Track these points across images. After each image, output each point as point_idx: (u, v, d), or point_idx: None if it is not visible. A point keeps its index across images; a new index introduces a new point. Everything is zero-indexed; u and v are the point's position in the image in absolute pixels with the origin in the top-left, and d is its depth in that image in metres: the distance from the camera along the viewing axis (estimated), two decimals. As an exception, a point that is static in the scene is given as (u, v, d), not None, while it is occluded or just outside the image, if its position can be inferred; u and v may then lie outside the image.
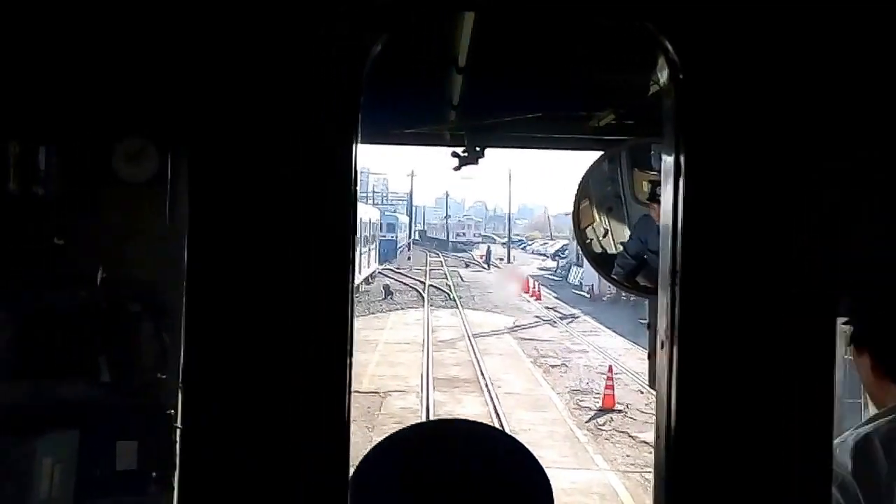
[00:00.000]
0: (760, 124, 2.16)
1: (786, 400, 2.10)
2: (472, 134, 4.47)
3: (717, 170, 2.13)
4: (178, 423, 4.29)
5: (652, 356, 4.67)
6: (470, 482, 1.74)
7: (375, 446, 1.90)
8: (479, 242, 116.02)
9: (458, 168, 4.41)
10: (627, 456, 17.22)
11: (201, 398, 2.15)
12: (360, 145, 2.19)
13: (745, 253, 2.11)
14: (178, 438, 4.29)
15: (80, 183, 3.76)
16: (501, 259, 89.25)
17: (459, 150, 4.44)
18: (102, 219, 3.94)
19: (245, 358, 2.12)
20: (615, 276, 4.96)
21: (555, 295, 51.63)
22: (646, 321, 4.94)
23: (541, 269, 77.51)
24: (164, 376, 4.16)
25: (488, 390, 22.16)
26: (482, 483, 1.76)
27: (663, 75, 2.23)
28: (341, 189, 2.14)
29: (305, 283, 2.07)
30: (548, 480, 1.87)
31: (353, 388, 2.17)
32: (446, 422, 2.12)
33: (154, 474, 4.13)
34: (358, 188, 2.23)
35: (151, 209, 3.96)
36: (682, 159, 2.14)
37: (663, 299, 2.21)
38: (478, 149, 4.45)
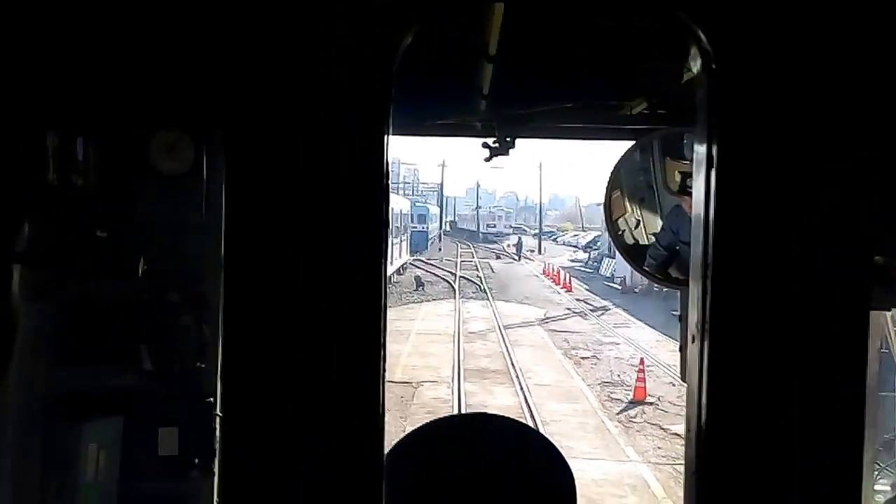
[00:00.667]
0: (794, 114, 2.14)
1: (818, 393, 2.08)
2: (502, 124, 4.49)
3: (749, 160, 2.12)
4: (218, 411, 4.40)
5: (683, 348, 4.68)
6: (495, 474, 1.77)
7: (405, 436, 1.93)
8: (509, 233, 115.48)
9: (489, 159, 4.44)
10: (659, 448, 17.17)
11: (240, 386, 2.20)
12: (391, 137, 2.22)
13: (777, 245, 2.09)
14: (217, 425, 4.39)
15: (118, 175, 3.86)
16: (532, 250, 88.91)
17: (490, 140, 4.46)
18: (142, 211, 4.03)
19: (282, 346, 2.14)
20: (647, 268, 4.94)
21: (586, 287, 51.40)
22: (678, 313, 4.93)
23: (572, 260, 77.11)
24: (203, 365, 4.26)
25: (519, 381, 22.18)
26: (507, 475, 1.78)
27: (696, 65, 2.23)
28: (374, 180, 2.16)
29: (340, 272, 2.09)
30: (572, 478, 1.88)
31: (386, 376, 2.20)
32: (476, 415, 2.15)
33: (195, 460, 4.23)
34: (390, 179, 2.25)
35: (188, 201, 4.04)
36: (714, 150, 2.14)
37: (695, 292, 2.21)
38: (508, 139, 4.47)
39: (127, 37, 2.86)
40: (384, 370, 2.16)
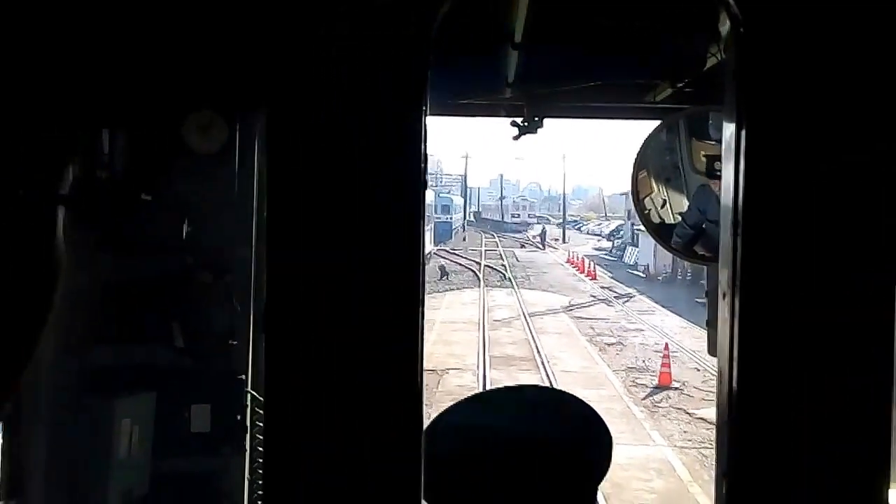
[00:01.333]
0: (830, 80, 2.11)
1: (849, 348, 2.08)
2: (530, 104, 4.51)
3: (780, 122, 2.11)
4: (249, 388, 4.46)
5: (711, 324, 4.70)
6: (535, 442, 1.76)
7: (445, 410, 1.93)
8: (533, 223, 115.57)
9: (517, 137, 4.47)
10: (684, 432, 17.14)
11: (281, 366, 2.21)
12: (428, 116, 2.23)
13: (808, 204, 2.06)
14: (248, 403, 4.46)
15: (153, 154, 3.92)
16: (556, 239, 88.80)
17: (519, 120, 4.48)
18: (176, 190, 4.09)
19: (320, 326, 2.15)
20: (674, 246, 4.95)
21: (610, 275, 51.26)
22: (702, 300, 4.94)
23: (596, 249, 76.96)
24: (235, 342, 4.32)
25: (544, 368, 22.17)
26: (546, 444, 1.77)
27: (724, 30, 2.21)
28: (412, 157, 2.16)
29: (378, 253, 2.11)
30: (610, 441, 1.87)
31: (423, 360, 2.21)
32: (516, 387, 2.14)
33: (227, 437, 4.30)
34: (428, 160, 2.26)
35: (221, 181, 4.10)
36: (744, 112, 2.11)
37: (726, 248, 2.19)
38: (536, 119, 4.49)
39: (161, 22, 2.91)
40: (422, 346, 2.16)
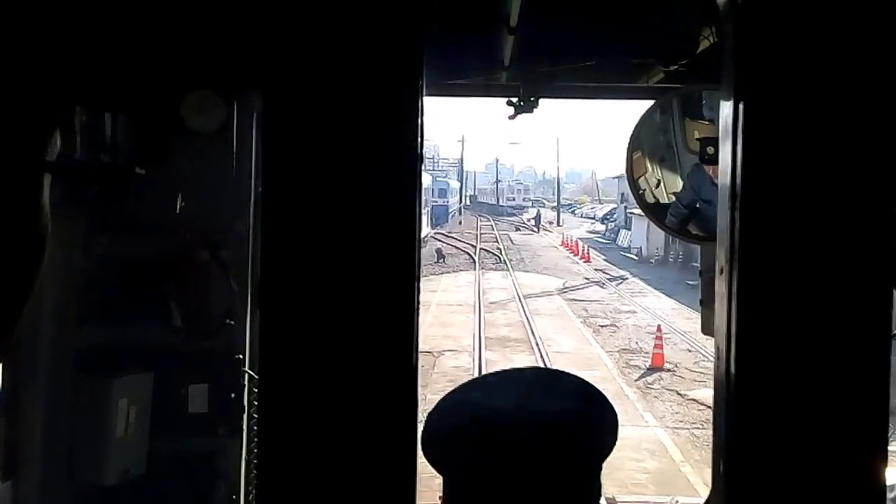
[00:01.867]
0: (829, 56, 2.06)
1: (847, 324, 2.05)
2: (526, 84, 4.50)
3: (778, 97, 2.06)
4: (247, 368, 4.46)
5: (705, 303, 4.73)
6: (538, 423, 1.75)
7: (447, 395, 1.92)
8: (528, 206, 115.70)
9: (513, 117, 4.47)
10: (676, 413, 17.24)
11: (275, 347, 2.21)
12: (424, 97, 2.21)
13: (806, 180, 2.05)
14: (246, 383, 4.46)
15: (152, 133, 3.91)
16: (551, 223, 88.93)
17: (514, 99, 4.49)
18: (173, 171, 4.08)
19: (316, 307, 2.15)
20: (669, 225, 4.98)
21: (603, 257, 51.35)
22: (693, 282, 4.95)
23: (589, 231, 77.04)
24: (232, 322, 4.32)
25: (539, 349, 22.24)
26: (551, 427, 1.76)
27: (721, 3, 2.19)
28: (409, 135, 2.15)
29: (374, 231, 2.09)
30: (614, 419, 1.86)
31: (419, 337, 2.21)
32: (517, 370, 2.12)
33: (224, 417, 4.30)
34: (424, 138, 2.25)
35: (219, 160, 4.09)
36: (742, 88, 2.08)
37: (723, 223, 2.19)
38: (532, 99, 4.50)
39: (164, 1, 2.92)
40: (417, 330, 2.15)
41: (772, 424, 2.08)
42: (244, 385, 4.38)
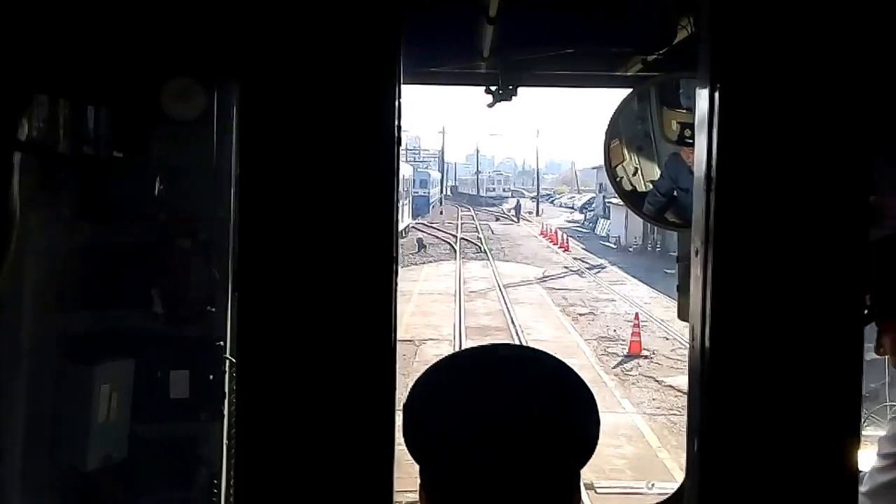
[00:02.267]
0: (805, 45, 2.08)
1: (819, 307, 2.08)
2: (505, 73, 4.52)
3: (753, 84, 2.08)
4: (228, 354, 4.48)
5: (681, 289, 4.78)
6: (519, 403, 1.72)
7: (426, 372, 1.88)
8: (508, 197, 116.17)
9: (492, 105, 4.49)
10: (653, 399, 17.41)
11: (253, 333, 2.21)
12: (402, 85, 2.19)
13: (780, 165, 2.08)
14: (227, 369, 4.48)
15: (133, 122, 3.92)
16: (530, 213, 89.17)
17: (493, 88, 4.51)
18: (154, 158, 4.09)
19: (293, 293, 2.15)
20: (646, 213, 5.01)
21: (582, 246, 51.57)
22: (671, 271, 5.00)
23: (568, 221, 77.32)
24: (213, 309, 4.34)
25: (519, 338, 22.37)
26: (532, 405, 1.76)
27: None
28: (386, 122, 2.13)
29: (351, 219, 2.09)
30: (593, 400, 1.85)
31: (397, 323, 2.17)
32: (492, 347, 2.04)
33: (205, 403, 4.32)
34: (401, 126, 2.25)
35: (200, 147, 4.10)
36: (717, 75, 2.08)
37: (698, 208, 2.22)
38: (510, 87, 4.52)
39: None
40: (396, 312, 2.13)
41: (745, 408, 2.10)
42: (225, 371, 4.40)
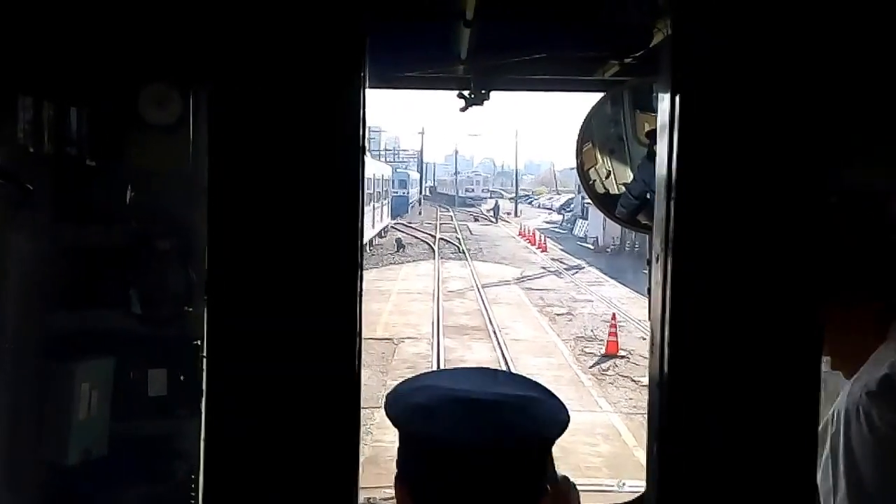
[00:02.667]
0: (761, 57, 2.17)
1: (776, 308, 2.18)
2: (478, 77, 4.57)
3: (713, 93, 2.17)
4: (205, 353, 4.55)
5: (651, 290, 4.86)
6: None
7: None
8: (487, 197, 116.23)
9: (464, 109, 4.56)
10: (630, 399, 17.52)
11: (224, 331, 2.25)
12: (368, 89, 2.23)
13: (738, 173, 2.17)
14: (204, 367, 4.55)
15: (111, 127, 3.98)
16: (509, 213, 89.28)
17: (466, 92, 4.57)
18: (131, 162, 4.15)
19: (262, 295, 2.20)
20: (618, 215, 5.06)
21: (560, 247, 51.73)
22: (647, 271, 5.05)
23: (547, 222, 77.50)
24: (190, 309, 4.40)
25: (496, 337, 22.42)
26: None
27: (662, 3, 2.26)
28: (351, 125, 2.18)
29: (317, 220, 2.16)
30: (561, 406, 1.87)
31: (363, 317, 2.24)
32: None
33: (182, 400, 4.38)
34: (367, 132, 2.30)
35: (176, 152, 4.16)
36: (679, 84, 2.13)
37: (660, 212, 2.28)
38: (483, 91, 4.58)
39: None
40: (360, 305, 2.20)
41: (704, 409, 2.19)
42: (202, 369, 4.46)
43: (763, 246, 2.18)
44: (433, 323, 24.42)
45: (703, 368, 2.20)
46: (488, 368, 2.03)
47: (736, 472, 2.18)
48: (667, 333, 2.22)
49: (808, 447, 2.20)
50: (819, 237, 2.19)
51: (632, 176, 4.97)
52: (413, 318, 25.37)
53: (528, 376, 1.95)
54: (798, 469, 2.17)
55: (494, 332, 23.12)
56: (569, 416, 1.86)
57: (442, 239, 52.96)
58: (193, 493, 4.26)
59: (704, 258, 2.18)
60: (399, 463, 1.82)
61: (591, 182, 5.14)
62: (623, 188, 5.00)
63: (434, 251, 45.83)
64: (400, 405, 1.81)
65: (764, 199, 2.19)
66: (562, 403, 1.88)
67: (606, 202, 5.07)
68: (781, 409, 2.17)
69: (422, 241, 52.35)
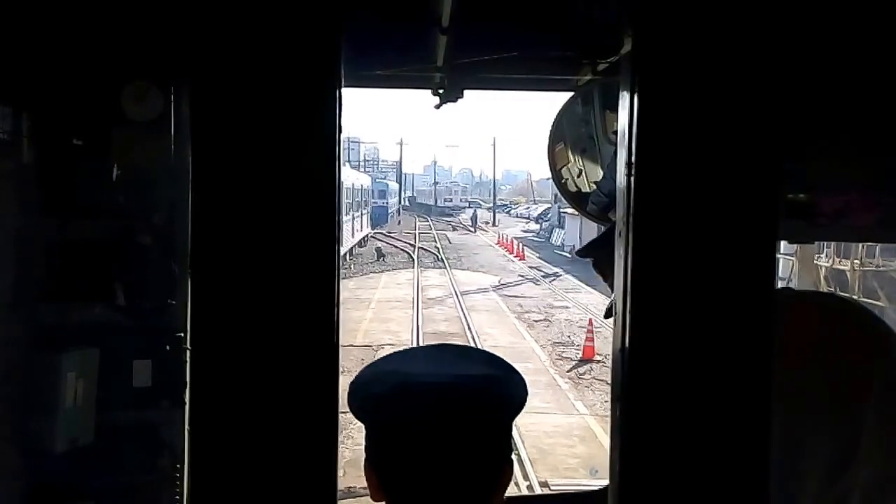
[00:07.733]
0: (719, 65, 2.20)
1: (732, 300, 2.21)
2: (452, 75, 4.64)
3: (672, 101, 2.21)
4: (188, 345, 4.62)
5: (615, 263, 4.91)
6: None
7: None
8: (465, 207, 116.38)
9: (438, 106, 4.64)
10: (606, 402, 17.59)
11: (207, 324, 2.33)
12: (343, 89, 2.25)
13: (696, 170, 2.19)
14: (188, 359, 4.61)
15: (94, 122, 4.06)
16: (487, 223, 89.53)
17: (440, 91, 4.65)
18: (115, 157, 4.23)
19: (243, 288, 2.23)
20: (589, 212, 5.15)
21: (537, 255, 51.96)
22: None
23: (524, 231, 77.75)
24: (173, 301, 4.48)
25: (475, 343, 22.50)
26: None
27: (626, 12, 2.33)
28: (327, 124, 2.20)
29: (294, 221, 2.19)
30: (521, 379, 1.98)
31: (343, 325, 2.29)
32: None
33: (167, 391, 4.45)
34: (342, 130, 2.27)
35: (158, 147, 4.25)
36: (636, 90, 2.21)
37: (619, 194, 2.29)
38: (458, 90, 4.66)
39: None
40: (338, 305, 2.23)
41: (665, 374, 2.20)
42: (186, 361, 4.51)
43: (720, 243, 2.23)
44: (413, 330, 24.51)
45: (665, 337, 2.25)
46: (452, 345, 2.14)
47: (695, 439, 2.23)
48: (629, 305, 2.28)
49: (763, 440, 2.25)
50: (774, 235, 2.24)
51: (602, 174, 5.04)
52: (393, 325, 25.45)
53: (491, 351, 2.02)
54: (756, 464, 2.23)
55: (473, 339, 23.24)
56: (527, 392, 1.97)
57: (421, 248, 53.09)
58: (178, 482, 4.33)
59: (664, 230, 2.21)
60: (366, 448, 1.94)
61: (563, 181, 5.20)
62: (594, 186, 5.07)
63: (414, 260, 45.93)
64: (358, 396, 1.93)
65: (719, 197, 2.23)
66: (521, 379, 1.99)
67: (578, 200, 5.12)
68: (738, 394, 2.23)
69: (401, 250, 52.43)
